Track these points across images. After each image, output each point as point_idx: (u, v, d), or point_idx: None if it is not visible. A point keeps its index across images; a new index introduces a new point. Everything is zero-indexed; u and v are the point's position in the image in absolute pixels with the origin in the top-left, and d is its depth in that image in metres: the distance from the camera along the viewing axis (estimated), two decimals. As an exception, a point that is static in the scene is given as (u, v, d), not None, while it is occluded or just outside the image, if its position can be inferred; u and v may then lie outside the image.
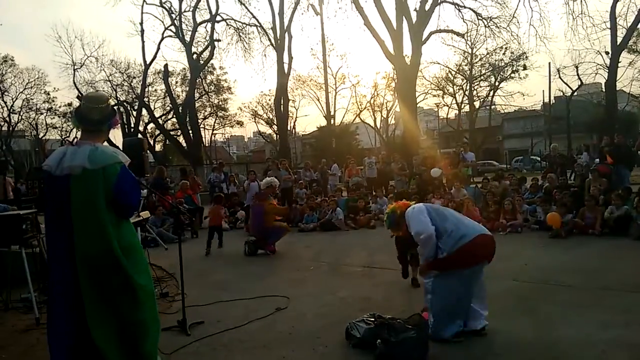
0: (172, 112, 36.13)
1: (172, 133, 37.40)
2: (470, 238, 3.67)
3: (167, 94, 33.26)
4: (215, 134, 53.63)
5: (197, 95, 36.66)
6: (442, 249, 3.68)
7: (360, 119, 50.51)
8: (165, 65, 29.79)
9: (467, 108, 47.45)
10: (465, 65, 43.75)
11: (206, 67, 34.69)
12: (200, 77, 34.30)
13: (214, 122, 49.09)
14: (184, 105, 29.98)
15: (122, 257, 2.89)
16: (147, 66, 30.56)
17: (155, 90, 40.22)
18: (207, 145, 51.28)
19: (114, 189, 2.88)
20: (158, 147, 44.60)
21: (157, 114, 37.18)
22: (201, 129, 40.77)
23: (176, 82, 40.45)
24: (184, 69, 38.42)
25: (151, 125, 38.31)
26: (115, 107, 2.72)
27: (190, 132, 28.94)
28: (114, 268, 2.88)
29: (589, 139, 43.77)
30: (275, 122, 41.97)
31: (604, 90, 32.81)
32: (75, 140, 3.08)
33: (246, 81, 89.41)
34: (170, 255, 7.64)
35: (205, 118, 46.13)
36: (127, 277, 2.90)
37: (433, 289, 3.75)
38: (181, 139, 33.18)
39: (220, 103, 44.54)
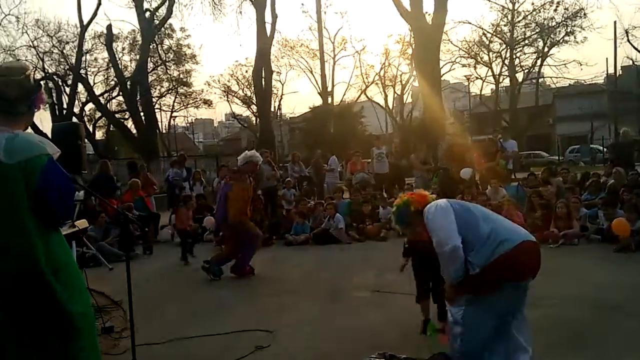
0: (117, 89, 36.02)
1: (117, 116, 37.29)
2: (514, 244, 3.58)
3: (110, 65, 33.14)
4: (176, 116, 53.62)
5: (150, 66, 36.59)
6: (474, 263, 3.58)
7: (367, 96, 50.71)
8: (109, 27, 29.71)
9: (507, 82, 47.58)
10: (505, 25, 43.93)
11: (163, 29, 34.59)
12: (155, 42, 34.21)
13: (174, 102, 49.05)
14: (134, 79, 29.89)
15: (53, 280, 2.87)
16: (84, 28, 30.47)
17: (96, 59, 40.06)
18: (164, 131, 51.25)
19: (38, 188, 2.81)
20: (99, 135, 44.53)
21: (97, 91, 37.10)
22: (157, 111, 40.74)
23: (123, 49, 40.36)
24: (134, 31, 38.32)
25: (90, 105, 38.14)
26: (42, 82, 2.66)
27: (142, 114, 28.90)
28: (41, 294, 2.84)
29: (666, 121, 44.24)
30: (254, 101, 42.07)
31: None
32: None
33: (216, 47, 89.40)
34: (115, 278, 7.57)
35: (162, 96, 46.07)
36: (59, 306, 2.88)
37: (464, 320, 3.71)
38: (130, 124, 33.11)
39: (182, 76, 44.44)
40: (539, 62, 45.25)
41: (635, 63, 41.49)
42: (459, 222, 3.66)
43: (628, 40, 37.95)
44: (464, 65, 46.52)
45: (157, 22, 29.73)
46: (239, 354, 4.62)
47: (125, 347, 4.73)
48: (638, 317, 5.00)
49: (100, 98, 36.37)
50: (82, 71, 34.43)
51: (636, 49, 38.90)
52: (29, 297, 2.84)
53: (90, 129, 39.80)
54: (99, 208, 10.67)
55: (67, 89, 34.79)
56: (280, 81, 49.77)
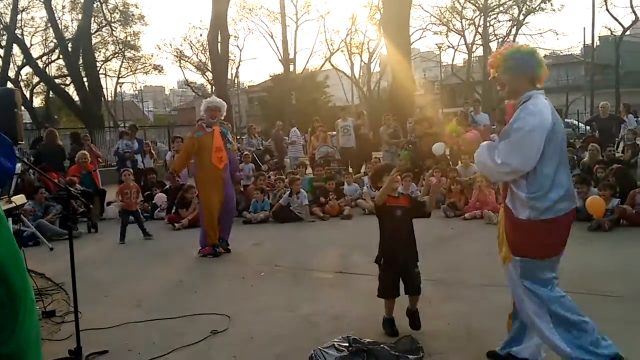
0: (57, 51, 35.12)
1: (57, 81, 36.45)
2: (569, 209, 3.45)
3: (49, 25, 32.24)
4: (122, 83, 52.70)
5: (94, 26, 35.74)
6: (525, 204, 3.41)
7: (332, 64, 50.60)
8: (47, -18, 28.77)
9: (480, 51, 48.01)
10: (479, -10, 44.09)
11: (108, -14, 33.68)
12: (99, 0, 33.31)
13: (120, 67, 48.14)
14: (76, 40, 29.19)
15: None
16: (19, -18, 29.45)
17: (33, 18, 39.05)
18: (110, 99, 50.29)
19: None
20: (38, 102, 43.58)
21: (35, 54, 36.12)
22: (101, 76, 39.93)
23: (63, 7, 39.38)
24: (75, -13, 37.32)
25: (27, 69, 37.15)
26: None
27: (85, 80, 28.26)
28: None
29: (644, 95, 45.42)
30: (209, 68, 41.55)
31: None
32: None
33: (167, 7, 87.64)
34: (57, 258, 7.44)
35: (107, 60, 45.19)
36: None
37: (543, 295, 3.53)
38: (72, 90, 32.39)
39: (129, 39, 43.59)
40: (513, 30, 45.78)
41: (614, 33, 42.33)
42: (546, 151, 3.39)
43: (607, 9, 38.68)
44: (435, 33, 46.92)
45: (101, -23, 28.96)
46: (192, 339, 4.61)
47: (68, 332, 4.69)
48: (613, 298, 5.17)
49: (38, 61, 35.50)
50: (18, 31, 33.43)
51: (615, 18, 39.72)
52: None
53: (27, 96, 38.87)
54: (38, 183, 10.46)
55: (1, 51, 33.72)
56: (238, 46, 49.48)
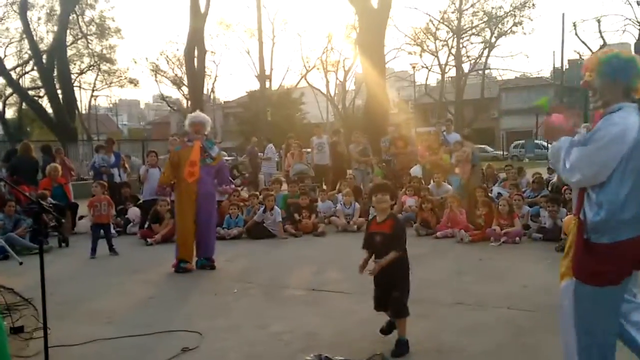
0: (32, 63, 34.74)
1: (31, 93, 36.03)
2: (635, 235, 3.09)
3: (24, 36, 31.91)
4: (97, 96, 52.31)
5: (70, 38, 35.50)
6: (588, 222, 3.14)
7: (308, 82, 50.83)
8: (23, -7, 28.56)
9: (453, 72, 48.69)
10: (452, 12, 44.94)
11: (84, -1, 33.51)
12: (75, 12, 33.16)
13: (95, 79, 47.82)
14: (51, 52, 28.94)
15: None
16: (-6, -7, 29.18)
17: (7, 29, 38.71)
18: (84, 112, 49.82)
19: None
20: (10, 114, 43.03)
21: (9, 65, 35.67)
22: (76, 89, 39.57)
23: (39, 19, 39.06)
24: (51, -1, 37.02)
25: (0, 80, 36.61)
26: None
27: (60, 92, 27.97)
28: None
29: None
30: (185, 83, 41.46)
31: (633, 52, 34.73)
32: None
33: (143, 21, 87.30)
34: (26, 273, 7.36)
35: (82, 73, 44.87)
36: None
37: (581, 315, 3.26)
38: (45, 102, 32.02)
39: (105, 51, 43.38)
40: (485, 52, 46.54)
41: (582, 57, 43.26)
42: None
43: (576, 34, 39.63)
44: (409, 53, 47.39)
45: (78, -10, 28.80)
46: (162, 356, 4.56)
47: (37, 349, 4.60)
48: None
49: (12, 72, 35.04)
50: (-8, 42, 33.01)
51: (584, 42, 40.75)
52: None
53: (0, 107, 38.31)
54: (9, 196, 10.30)
55: (-26, 62, 33.27)
56: (214, 62, 49.35)
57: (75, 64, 41.55)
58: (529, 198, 10.88)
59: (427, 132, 17.51)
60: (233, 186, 9.49)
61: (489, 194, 10.96)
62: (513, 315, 5.35)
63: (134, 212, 11.66)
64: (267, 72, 42.77)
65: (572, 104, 43.23)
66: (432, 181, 12.30)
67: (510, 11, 42.99)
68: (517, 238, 9.10)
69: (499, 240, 9.03)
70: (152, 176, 11.29)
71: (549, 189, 11.28)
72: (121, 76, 47.73)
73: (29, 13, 30.47)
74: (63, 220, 10.30)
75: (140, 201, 11.94)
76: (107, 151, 13.61)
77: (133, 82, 48.51)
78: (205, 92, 39.11)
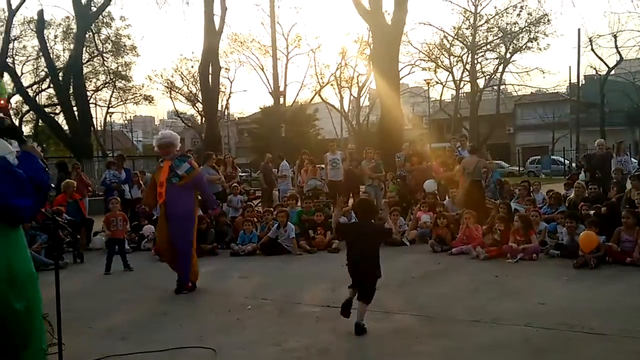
0: (48, 80, 35.16)
1: (47, 110, 36.41)
2: None
3: (41, 54, 32.35)
4: (112, 112, 52.68)
5: (86, 56, 35.90)
6: None
7: (322, 98, 50.96)
8: (40, 12, 28.98)
9: (467, 88, 48.60)
10: (467, 29, 44.93)
11: (100, 17, 33.96)
12: (91, 30, 33.56)
13: (111, 96, 48.25)
14: (67, 70, 29.27)
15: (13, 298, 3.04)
16: (12, 12, 29.69)
17: (24, 47, 39.15)
18: (99, 129, 50.24)
19: None
20: (27, 131, 43.33)
21: (25, 82, 36.12)
22: (92, 106, 39.94)
23: (56, 37, 39.60)
24: (68, 17, 37.59)
25: (17, 97, 37.05)
26: None
27: (75, 109, 28.25)
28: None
29: (629, 133, 46.09)
30: (199, 99, 41.72)
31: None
32: None
33: (159, 39, 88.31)
34: (42, 288, 7.34)
35: (97, 90, 45.30)
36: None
37: None
38: (61, 119, 32.36)
39: (121, 69, 43.83)
40: (500, 68, 46.43)
41: (599, 73, 43.08)
42: None
43: (592, 49, 39.34)
44: (423, 69, 47.35)
45: (94, 8, 29.15)
46: (177, 373, 4.57)
47: (51, 365, 4.62)
48: (599, 336, 5.17)
49: (29, 90, 35.47)
50: (9, 60, 33.48)
51: (600, 57, 40.41)
52: None
53: (17, 124, 38.72)
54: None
55: (-9, 79, 33.78)
56: (228, 78, 49.59)
57: (91, 81, 41.99)
58: (546, 214, 10.79)
59: (442, 148, 17.46)
60: (216, 208, 9.13)
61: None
62: (530, 334, 5.29)
63: (148, 228, 11.70)
64: (281, 88, 43.05)
65: (589, 119, 43.07)
66: (447, 197, 12.24)
67: (525, 27, 42.89)
68: (534, 255, 9.01)
69: (515, 257, 8.95)
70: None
71: (566, 204, 11.18)
72: (136, 93, 48.18)
73: (45, 31, 30.88)
74: (78, 236, 10.37)
75: (155, 217, 11.96)
76: (118, 167, 13.71)
77: (148, 99, 48.94)
78: (219, 108, 39.30)
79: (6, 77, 32.87)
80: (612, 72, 41.11)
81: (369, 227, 5.80)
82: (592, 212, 9.87)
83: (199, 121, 51.16)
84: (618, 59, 38.55)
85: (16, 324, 3.11)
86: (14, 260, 3.12)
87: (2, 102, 3.37)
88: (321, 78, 49.70)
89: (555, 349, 4.87)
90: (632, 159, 17.45)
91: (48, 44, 32.49)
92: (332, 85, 50.17)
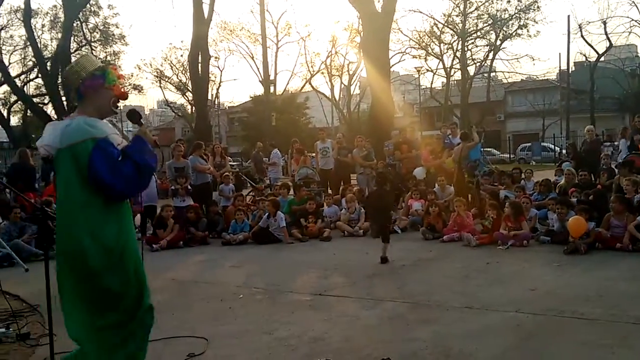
0: (36, 70, 34.91)
1: (36, 100, 36.19)
2: None
3: (28, 43, 32.09)
4: (102, 102, 52.25)
5: (74, 45, 35.63)
6: None
7: (312, 86, 50.88)
8: (27, 1, 28.70)
9: (458, 75, 48.65)
10: (457, 16, 44.92)
11: (88, 5, 33.68)
12: (79, 19, 33.30)
13: (100, 86, 47.80)
14: (55, 59, 29.05)
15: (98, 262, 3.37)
16: (-2, 1, 29.32)
17: (12, 37, 38.83)
18: (88, 118, 49.95)
19: (89, 170, 3.31)
20: (15, 121, 43.06)
21: (13, 72, 35.83)
22: (80, 96, 39.70)
23: (43, 26, 39.27)
24: (55, 6, 37.27)
25: (4, 87, 36.82)
26: (95, 71, 3.47)
27: (64, 99, 28.04)
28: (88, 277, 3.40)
29: (619, 119, 46.27)
30: (189, 88, 41.52)
31: (639, 54, 34.72)
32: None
33: (147, 27, 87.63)
34: (32, 279, 7.38)
35: (86, 79, 44.86)
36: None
37: None
38: (50, 109, 32.17)
39: (109, 58, 43.44)
40: (491, 55, 46.50)
41: (589, 59, 43.15)
42: None
43: (582, 36, 39.44)
44: (414, 57, 47.34)
45: (82, -3, 28.92)
46: (169, 362, 4.57)
47: (43, 356, 4.63)
48: (589, 321, 5.21)
49: (17, 80, 35.19)
50: (-4, 49, 33.17)
51: (589, 44, 40.49)
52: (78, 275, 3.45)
53: (5, 114, 38.49)
54: (14, 202, 10.33)
55: (-21, 70, 33.46)
56: (218, 67, 49.35)
57: (79, 71, 41.76)
58: (537, 201, 10.84)
59: (431, 136, 17.48)
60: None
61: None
62: (521, 319, 5.32)
63: (136, 218, 11.67)
64: (272, 77, 42.87)
65: (579, 106, 43.23)
66: (435, 185, 12.28)
67: (515, 14, 42.93)
68: (525, 241, 9.06)
69: (506, 244, 8.99)
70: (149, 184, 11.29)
71: (557, 191, 11.23)
72: (125, 83, 47.90)
73: (32, 20, 30.63)
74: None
75: (143, 205, 11.89)
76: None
77: (137, 88, 48.75)
78: (209, 97, 39.16)
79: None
80: (602, 58, 41.23)
81: (384, 192, 8.78)
82: (574, 199, 9.94)
83: (189, 110, 51.00)
84: (608, 45, 38.66)
85: (130, 286, 3.55)
86: (124, 232, 3.51)
87: (122, 90, 3.69)
88: (311, 66, 49.65)
89: (545, 334, 4.91)
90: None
91: (35, 33, 32.26)
92: (322, 73, 50.15)
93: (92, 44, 40.30)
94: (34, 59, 34.08)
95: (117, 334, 3.50)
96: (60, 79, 28.11)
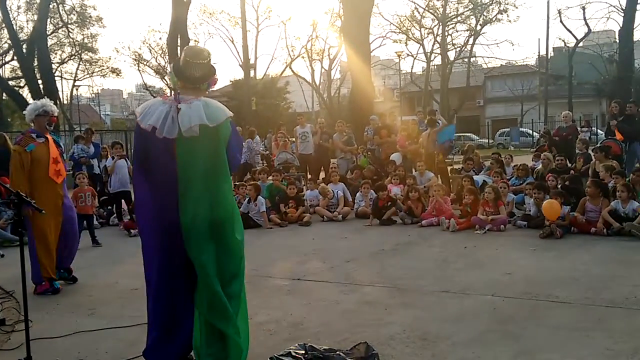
0: (11, 52, 34.36)
1: (11, 83, 35.65)
2: None
3: (4, 25, 31.54)
4: (79, 86, 51.77)
5: (50, 27, 35.10)
6: None
7: (293, 70, 50.67)
8: (2, -18, 28.19)
9: (438, 60, 48.74)
10: (438, 0, 44.82)
11: (65, -13, 33.13)
12: (55, 1, 32.79)
13: (77, 69, 47.36)
14: (31, 41, 28.63)
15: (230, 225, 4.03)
16: (-28, -19, 28.75)
17: (-15, 18, 37.98)
18: (66, 102, 49.36)
19: (229, 144, 3.94)
20: (-10, 104, 42.33)
21: (-12, 55, 35.16)
22: (57, 79, 39.20)
23: (19, 8, 38.64)
24: (31, -13, 36.55)
25: (-21, 70, 36.18)
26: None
27: (40, 82, 27.68)
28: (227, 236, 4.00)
29: (596, 105, 46.78)
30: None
31: (617, 40, 34.89)
32: (176, 96, 3.92)
33: (125, 10, 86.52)
34: (8, 265, 7.34)
35: (63, 62, 44.44)
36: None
37: None
38: (26, 93, 31.70)
39: (86, 41, 42.94)
40: (471, 40, 46.62)
41: (567, 45, 43.49)
42: None
43: (560, 21, 39.78)
44: (394, 41, 47.32)
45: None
46: (147, 348, 4.55)
47: (18, 342, 4.59)
48: (564, 304, 5.29)
49: (-8, 62, 34.64)
50: (-30, 31, 32.60)
51: (568, 29, 40.90)
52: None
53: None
54: (-11, 187, 10.17)
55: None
56: (197, 50, 48.85)
57: (56, 54, 41.21)
58: (514, 185, 10.94)
59: (406, 121, 17.50)
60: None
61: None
62: (497, 303, 5.39)
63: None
64: (252, 61, 42.63)
65: (557, 91, 43.55)
66: (413, 170, 12.32)
67: (495, -1, 43.07)
68: (502, 226, 9.15)
69: (484, 228, 9.07)
70: (119, 168, 11.19)
71: (534, 176, 11.34)
72: (103, 66, 47.39)
73: (8, 2, 30.12)
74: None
75: (111, 193, 11.75)
76: (86, 142, 13.48)
77: (115, 71, 48.16)
78: (189, 81, 38.91)
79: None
80: (580, 44, 41.51)
81: None
82: (548, 182, 10.04)
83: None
84: (586, 31, 38.88)
85: (238, 250, 4.13)
86: (232, 201, 4.12)
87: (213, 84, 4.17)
88: (292, 50, 49.42)
89: (521, 318, 4.97)
90: (599, 131, 17.70)
91: (11, 15, 31.71)
92: (303, 57, 49.95)
93: (69, 26, 39.74)
94: (9, 42, 33.53)
95: None
96: (36, 62, 27.70)
